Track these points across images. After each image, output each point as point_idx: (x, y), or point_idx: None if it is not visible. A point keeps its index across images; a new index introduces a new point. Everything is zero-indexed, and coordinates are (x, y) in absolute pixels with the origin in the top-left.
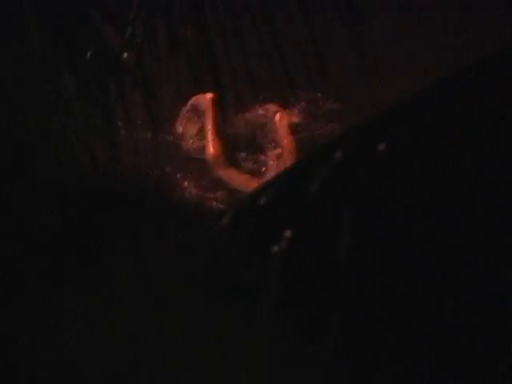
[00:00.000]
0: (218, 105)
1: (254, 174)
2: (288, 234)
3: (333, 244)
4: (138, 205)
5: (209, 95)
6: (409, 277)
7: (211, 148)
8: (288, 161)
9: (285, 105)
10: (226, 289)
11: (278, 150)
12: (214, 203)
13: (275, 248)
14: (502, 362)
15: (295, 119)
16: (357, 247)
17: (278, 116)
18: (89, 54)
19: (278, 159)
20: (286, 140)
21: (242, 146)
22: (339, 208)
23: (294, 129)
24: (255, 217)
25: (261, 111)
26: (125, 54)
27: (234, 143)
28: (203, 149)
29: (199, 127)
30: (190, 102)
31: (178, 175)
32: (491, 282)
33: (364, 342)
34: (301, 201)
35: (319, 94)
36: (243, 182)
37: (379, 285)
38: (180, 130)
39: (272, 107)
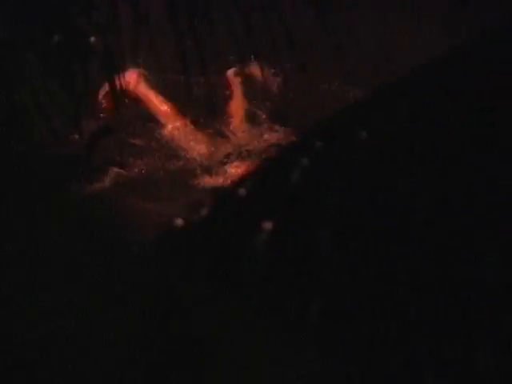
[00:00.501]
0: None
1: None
2: (268, 225)
3: (315, 233)
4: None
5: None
6: (394, 264)
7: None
8: (237, 123)
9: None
10: (207, 283)
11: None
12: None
13: (255, 239)
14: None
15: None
16: (341, 236)
17: (231, 71)
18: (55, 37)
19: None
20: (236, 98)
21: (199, 111)
22: (321, 197)
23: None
24: (235, 208)
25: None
26: (92, 38)
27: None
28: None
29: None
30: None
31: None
32: (478, 270)
33: (347, 330)
34: (281, 191)
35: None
36: (205, 148)
37: (364, 273)
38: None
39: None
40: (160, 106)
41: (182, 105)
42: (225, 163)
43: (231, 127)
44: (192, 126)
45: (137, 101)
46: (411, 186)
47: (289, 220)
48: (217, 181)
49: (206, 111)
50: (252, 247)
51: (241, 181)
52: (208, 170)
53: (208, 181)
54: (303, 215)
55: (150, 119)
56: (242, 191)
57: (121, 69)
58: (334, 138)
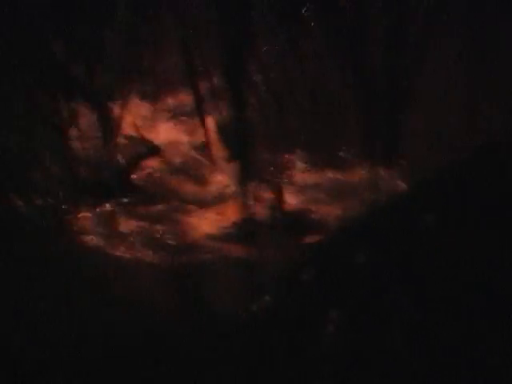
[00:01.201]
0: None
1: None
2: (334, 314)
3: (384, 328)
4: None
5: None
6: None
7: None
8: None
9: None
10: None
11: None
12: None
13: (321, 330)
14: None
15: None
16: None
17: None
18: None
19: None
20: None
21: None
22: (389, 285)
23: None
24: (298, 296)
25: None
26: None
27: None
28: None
29: None
30: None
31: None
32: None
33: None
34: (346, 276)
35: None
36: None
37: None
38: None
39: None
40: None
41: None
42: None
43: None
44: None
45: None
46: None
47: (356, 309)
48: None
49: None
50: (319, 339)
51: (303, 264)
52: None
53: None
54: (371, 305)
55: None
56: (304, 276)
57: None
58: (399, 220)
